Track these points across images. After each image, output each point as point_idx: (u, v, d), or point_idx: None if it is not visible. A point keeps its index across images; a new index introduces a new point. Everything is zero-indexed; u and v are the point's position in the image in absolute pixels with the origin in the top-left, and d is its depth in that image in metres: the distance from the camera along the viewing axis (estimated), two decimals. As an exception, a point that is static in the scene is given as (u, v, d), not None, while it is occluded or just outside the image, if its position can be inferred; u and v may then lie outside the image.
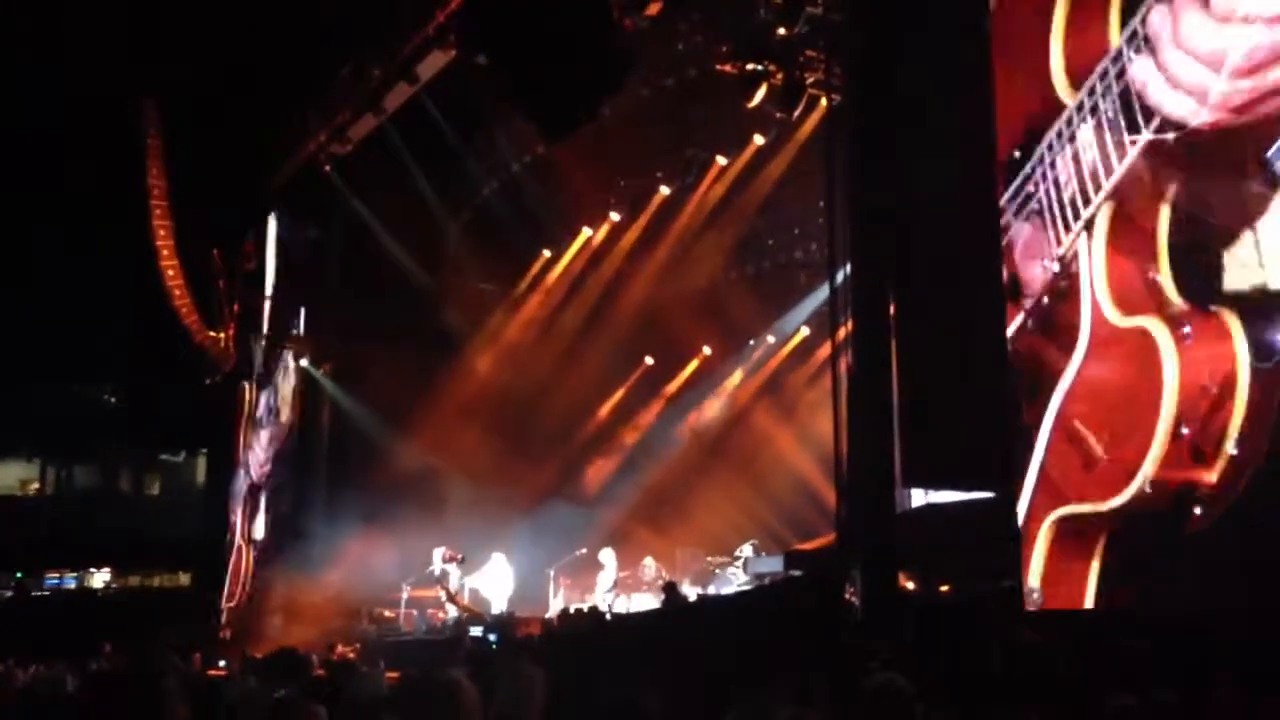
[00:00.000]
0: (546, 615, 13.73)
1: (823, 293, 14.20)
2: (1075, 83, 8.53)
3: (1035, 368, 8.62)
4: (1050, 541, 8.35)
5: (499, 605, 14.57)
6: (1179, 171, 7.80)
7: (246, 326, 20.37)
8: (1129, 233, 8.09)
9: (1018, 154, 8.86)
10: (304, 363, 18.12)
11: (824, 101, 12.24)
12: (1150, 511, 7.77)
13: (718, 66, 13.45)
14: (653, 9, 12.86)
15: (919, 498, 8.91)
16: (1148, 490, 7.74)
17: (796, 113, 13.17)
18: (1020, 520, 8.39)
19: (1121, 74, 8.10)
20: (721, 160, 16.06)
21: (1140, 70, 7.98)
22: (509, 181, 17.52)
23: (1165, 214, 7.90)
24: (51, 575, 24.75)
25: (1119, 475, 7.93)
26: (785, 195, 15.77)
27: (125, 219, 19.66)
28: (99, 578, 25.18)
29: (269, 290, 19.99)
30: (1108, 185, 8.18)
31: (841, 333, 8.71)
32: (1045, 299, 8.62)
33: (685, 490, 17.03)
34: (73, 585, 24.84)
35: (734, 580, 13.88)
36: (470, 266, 18.48)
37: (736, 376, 18.57)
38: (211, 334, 20.44)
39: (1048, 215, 8.61)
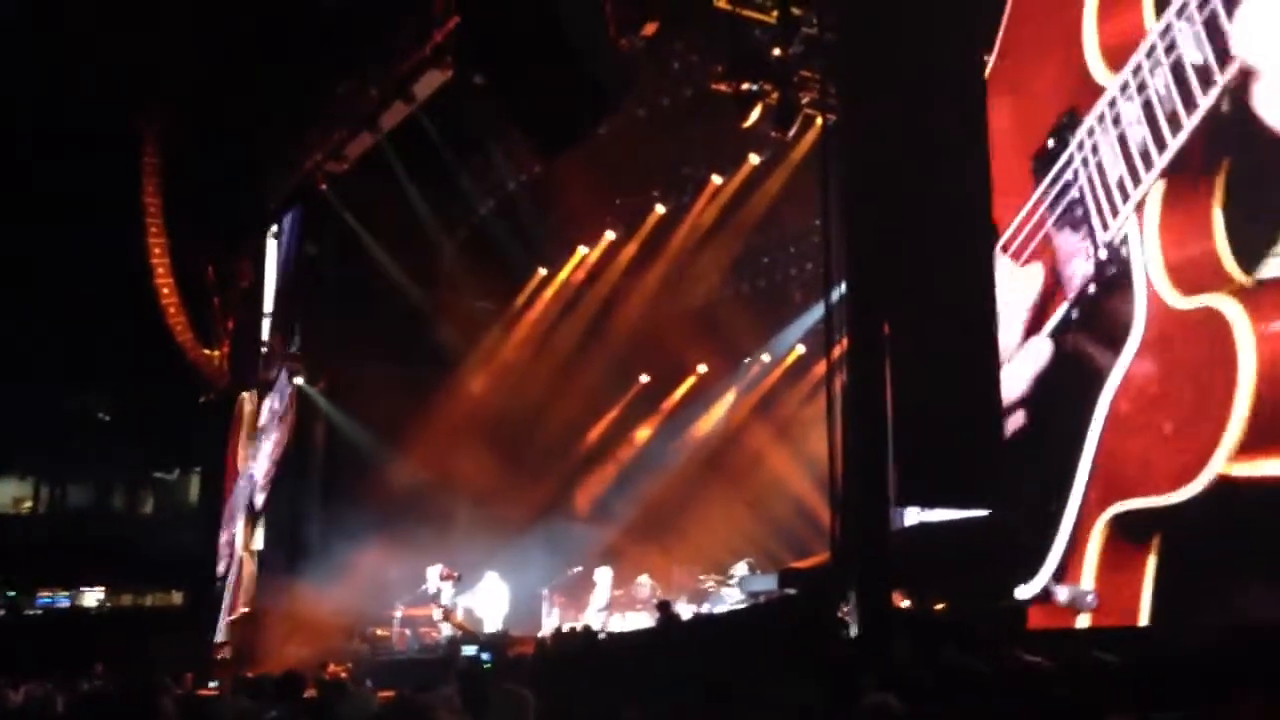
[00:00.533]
0: (540, 634, 13.68)
1: (818, 311, 14.26)
2: (1114, 64, 8.26)
3: (1081, 363, 8.34)
4: (1105, 540, 8.00)
5: (493, 624, 14.52)
6: (1234, 142, 7.53)
7: (242, 343, 20.33)
8: (1183, 210, 7.76)
9: (1051, 143, 8.63)
10: (299, 380, 18.09)
11: (819, 121, 12.30)
12: (1215, 509, 7.35)
13: (713, 86, 13.50)
14: (649, 29, 12.91)
15: (913, 516, 8.92)
16: (1217, 482, 7.33)
17: (792, 132, 13.20)
18: (1071, 523, 8.09)
19: (1172, 47, 7.82)
20: (717, 179, 16.10)
21: (1190, 40, 7.71)
22: (505, 200, 17.55)
23: (1220, 187, 7.56)
24: (44, 594, 24.61)
25: (1187, 466, 7.51)
26: (781, 214, 15.80)
27: (120, 236, 19.66)
28: (91, 596, 25.03)
29: (267, 307, 19.96)
30: (1160, 161, 7.87)
31: (836, 351, 8.71)
32: (1092, 288, 8.30)
33: (680, 508, 17.02)
34: (65, 604, 24.69)
35: (729, 599, 13.84)
36: (466, 284, 18.50)
37: (732, 394, 18.57)
38: (206, 351, 20.41)
39: (1090, 202, 8.33)
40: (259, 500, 18.93)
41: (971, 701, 4.66)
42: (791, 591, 11.25)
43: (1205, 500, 7.37)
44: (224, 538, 20.23)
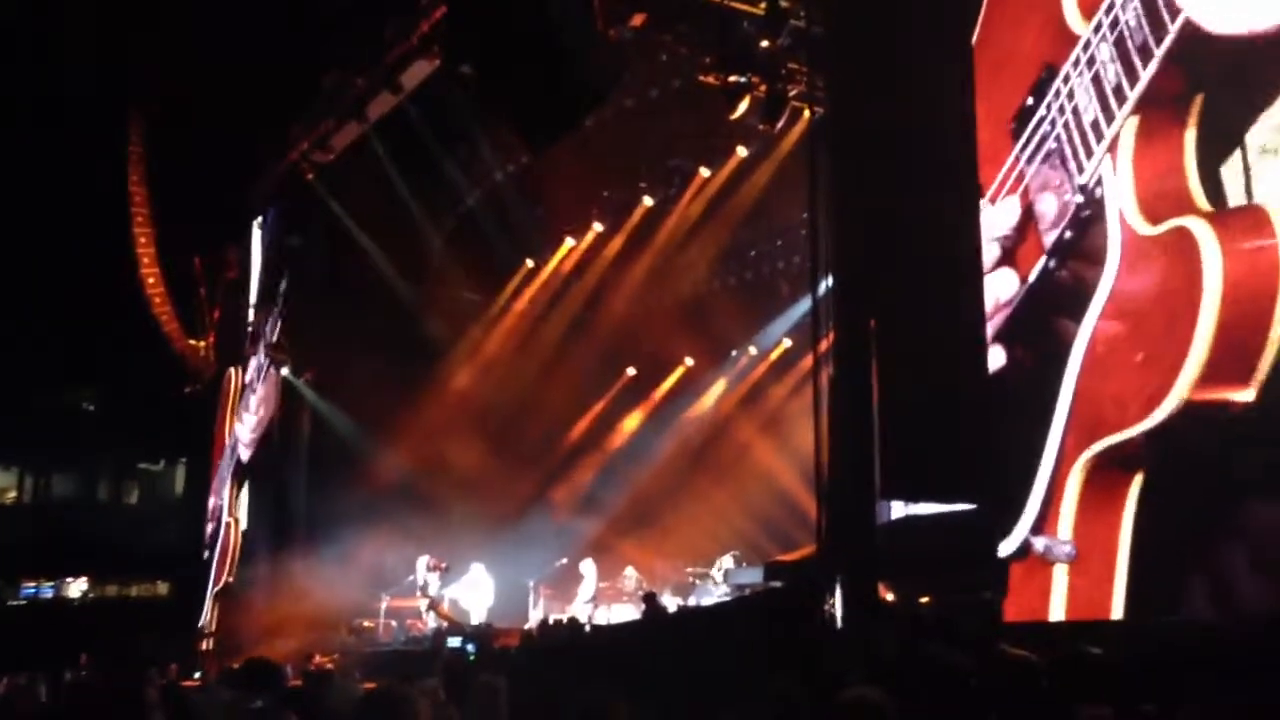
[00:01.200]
0: (526, 626, 13.70)
1: (805, 304, 14.26)
2: (1089, 13, 8.23)
3: (1059, 308, 8.25)
4: (1082, 485, 7.87)
5: (479, 616, 14.53)
6: (1207, 78, 7.51)
7: (228, 334, 20.27)
8: (1156, 145, 7.74)
9: (1031, 100, 8.58)
10: (285, 371, 18.05)
11: (807, 114, 12.29)
12: (1185, 439, 7.25)
13: (701, 78, 13.49)
14: (637, 20, 12.90)
15: (899, 510, 8.93)
16: (1182, 408, 7.23)
17: (779, 125, 13.20)
18: (1049, 472, 7.99)
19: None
20: (705, 171, 16.09)
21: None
22: (492, 191, 17.52)
23: (1194, 117, 7.53)
24: (28, 584, 24.55)
25: (1152, 393, 7.41)
26: (768, 207, 15.80)
27: (106, 227, 19.57)
28: (76, 587, 24.98)
29: (253, 298, 19.90)
30: (1133, 95, 7.83)
31: (823, 344, 8.71)
32: (1069, 233, 8.22)
33: (667, 501, 17.04)
34: (49, 594, 24.63)
35: (714, 591, 13.88)
36: (453, 275, 18.47)
37: (718, 387, 18.59)
38: (192, 342, 20.34)
39: (1067, 148, 8.28)
40: (244, 456, 18.83)
41: (954, 695, 4.68)
42: (777, 584, 11.29)
43: (1175, 430, 7.29)
44: (211, 503, 20.18)
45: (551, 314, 18.28)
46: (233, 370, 20.39)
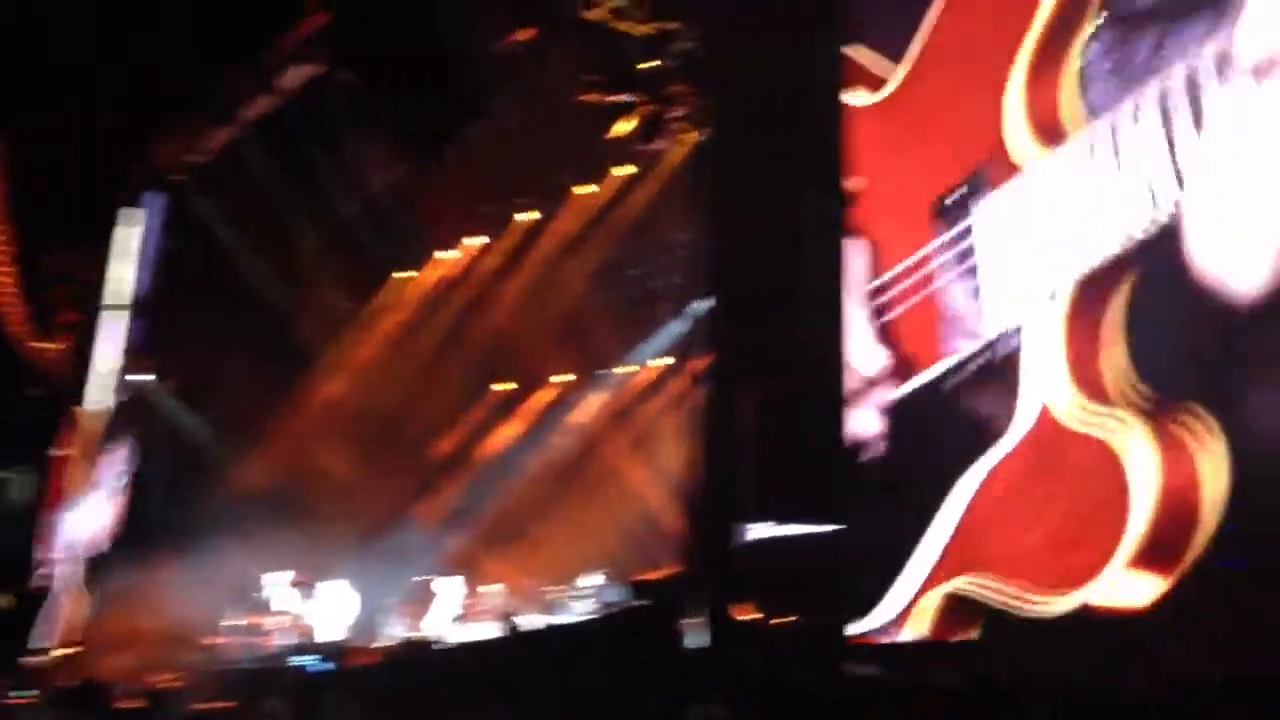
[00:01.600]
0: (383, 643, 13.44)
1: (681, 324, 14.39)
2: (1040, 136, 7.40)
3: (959, 425, 7.73)
4: (943, 610, 7.58)
5: (336, 632, 14.23)
6: (1152, 260, 6.78)
7: (82, 338, 19.57)
8: (1088, 315, 7.02)
9: (950, 201, 7.85)
10: (148, 377, 17.52)
11: (690, 135, 12.45)
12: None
13: (585, 96, 13.54)
14: (522, 35, 12.92)
15: (763, 530, 9.04)
16: (1087, 605, 6.75)
17: (661, 145, 13.35)
18: (918, 579, 7.67)
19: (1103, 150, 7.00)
20: (586, 188, 16.10)
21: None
22: (370, 198, 17.29)
23: (1125, 300, 6.86)
24: None
25: (1055, 582, 6.93)
26: (649, 225, 15.88)
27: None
28: (-91, 597, 23.68)
29: (113, 300, 19.26)
30: (1075, 268, 7.08)
31: (697, 365, 8.80)
32: (977, 363, 7.59)
33: (535, 517, 16.92)
34: (-120, 605, 23.30)
35: (580, 609, 13.82)
36: (327, 282, 18.13)
37: (591, 404, 18.57)
38: (43, 345, 19.56)
39: (989, 283, 7.51)
40: (99, 463, 18.18)
41: (804, 714, 4.73)
42: (642, 603, 11.31)
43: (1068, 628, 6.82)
44: (59, 511, 19.40)
45: (427, 324, 18.06)
46: (84, 405, 19.66)
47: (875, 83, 8.82)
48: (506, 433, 19.04)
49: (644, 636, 8.83)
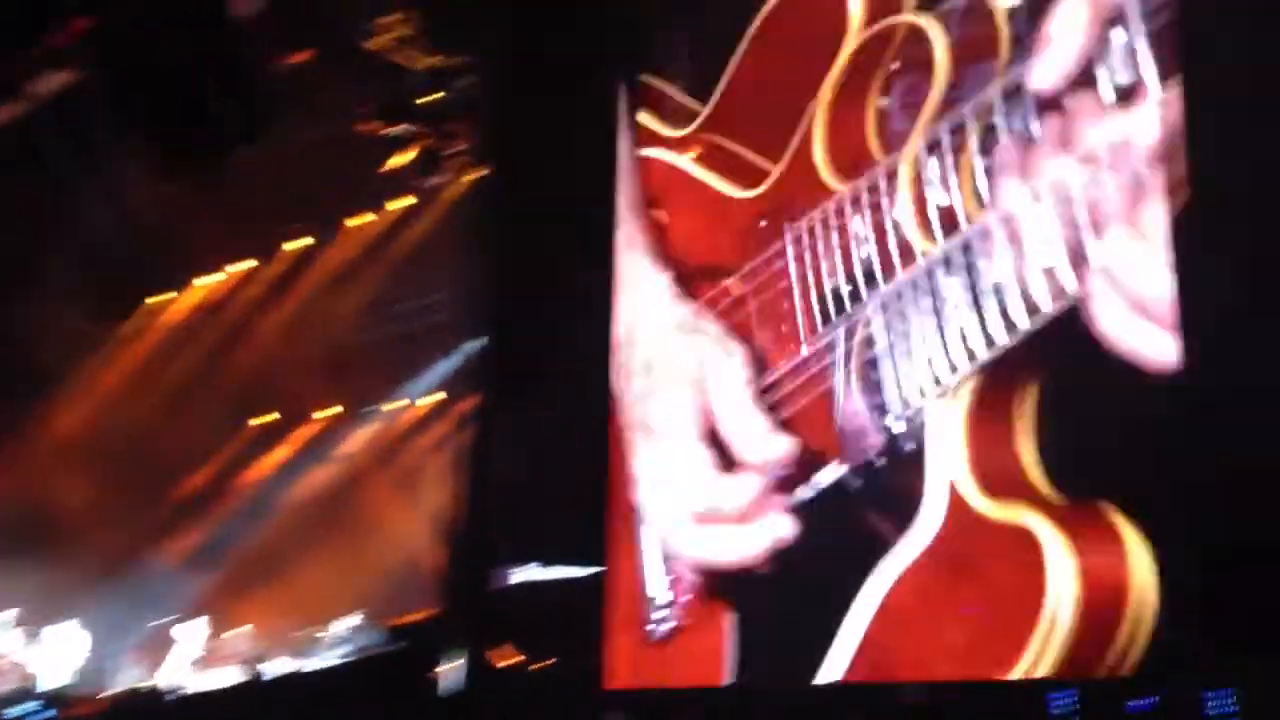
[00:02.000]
0: (113, 691, 12.71)
1: (451, 363, 14.28)
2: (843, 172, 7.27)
3: (858, 533, 7.29)
4: None
5: (61, 678, 13.36)
6: (1058, 351, 6.44)
7: None
8: (993, 408, 6.66)
9: (840, 290, 7.31)
10: None
11: (466, 172, 12.45)
12: None
13: (361, 125, 13.38)
14: (298, 57, 12.65)
15: (524, 573, 9.01)
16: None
17: (438, 180, 13.32)
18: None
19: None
20: (360, 219, 15.91)
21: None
22: (126, 216, 16.48)
23: (1035, 392, 6.54)
24: None
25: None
26: (422, 261, 15.76)
27: None
28: None
29: None
30: (978, 359, 6.68)
31: (463, 405, 8.74)
32: (880, 461, 7.13)
33: (290, 558, 16.40)
34: None
35: (335, 653, 13.44)
36: (73, 301, 17.14)
37: (354, 441, 18.16)
38: None
39: (888, 373, 7.11)
40: None
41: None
42: (398, 646, 11.11)
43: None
44: None
45: (182, 351, 17.33)
46: None
47: (681, 116, 8.65)
48: (263, 467, 18.41)
49: (398, 681, 8.64)
